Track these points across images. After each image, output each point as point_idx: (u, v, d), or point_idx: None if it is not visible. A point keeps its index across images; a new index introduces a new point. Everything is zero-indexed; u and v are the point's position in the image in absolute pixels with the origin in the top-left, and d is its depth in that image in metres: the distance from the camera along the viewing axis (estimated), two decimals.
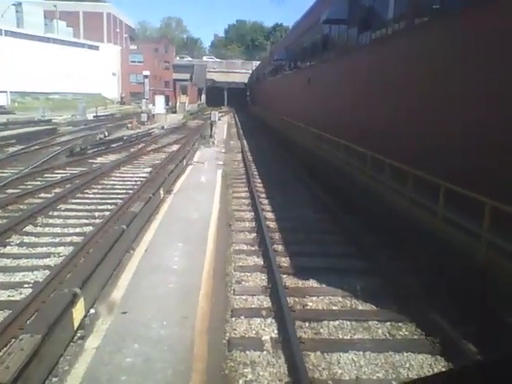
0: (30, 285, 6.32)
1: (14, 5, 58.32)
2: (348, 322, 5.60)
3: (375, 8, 12.87)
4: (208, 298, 5.72)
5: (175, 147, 21.11)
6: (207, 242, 7.64)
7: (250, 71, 71.55)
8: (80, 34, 71.12)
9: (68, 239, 8.32)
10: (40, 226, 9.02)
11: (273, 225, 9.75)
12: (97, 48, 67.60)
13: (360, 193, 10.81)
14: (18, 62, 50.00)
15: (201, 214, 9.33)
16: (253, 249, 8.27)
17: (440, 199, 6.83)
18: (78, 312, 5.17)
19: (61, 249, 7.78)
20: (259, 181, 14.66)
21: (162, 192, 10.91)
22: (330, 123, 16.70)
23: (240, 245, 8.44)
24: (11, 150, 18.91)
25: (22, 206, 10.31)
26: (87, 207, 10.53)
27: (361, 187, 10.81)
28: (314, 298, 6.28)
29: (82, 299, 5.22)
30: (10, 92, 48.73)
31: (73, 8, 74.23)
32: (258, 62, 65.05)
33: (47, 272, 6.64)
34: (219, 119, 32.14)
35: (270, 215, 10.53)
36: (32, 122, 30.18)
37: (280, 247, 8.38)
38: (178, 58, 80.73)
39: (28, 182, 12.82)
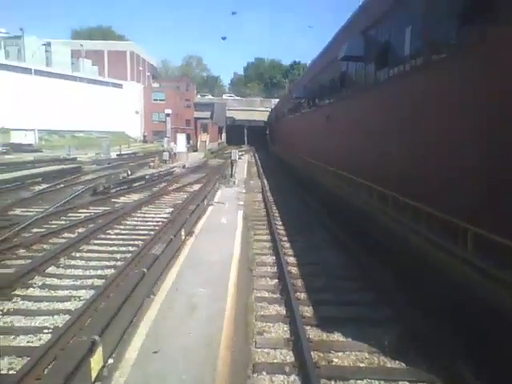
0: (50, 330, 6.29)
1: (43, 45, 61.47)
2: (376, 382, 5.35)
3: (391, 44, 12.94)
4: (229, 350, 5.56)
5: (196, 187, 21.32)
6: (228, 287, 7.53)
7: (269, 109, 72.66)
8: (105, 72, 73.86)
9: (89, 282, 8.32)
10: (62, 268, 9.06)
11: (295, 270, 9.59)
12: (120, 86, 69.91)
13: (382, 234, 10.61)
14: (45, 100, 51.97)
15: (222, 257, 9.25)
16: (275, 296, 8.10)
17: (468, 246, 6.55)
18: (96, 362, 5.06)
19: (82, 292, 7.77)
20: (280, 222, 14.58)
21: (183, 234, 10.90)
22: (349, 162, 16.61)
23: (261, 291, 8.29)
24: (37, 188, 19.39)
25: (45, 246, 10.42)
26: (109, 248, 10.57)
27: (383, 229, 10.63)
28: (340, 354, 6.04)
29: (100, 348, 5.13)
30: (38, 130, 50.46)
31: (98, 47, 77.52)
32: (277, 100, 66.14)
33: (67, 317, 6.61)
34: (239, 158, 32.53)
35: (291, 260, 10.39)
36: (58, 161, 31.10)
37: (303, 295, 8.19)
38: (198, 96, 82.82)
39: (52, 222, 13.00)
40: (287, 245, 11.74)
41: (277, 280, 8.89)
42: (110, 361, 5.29)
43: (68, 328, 6.08)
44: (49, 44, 63.47)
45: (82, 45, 71.49)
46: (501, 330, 5.33)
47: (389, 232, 9.80)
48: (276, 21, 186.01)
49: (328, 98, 22.01)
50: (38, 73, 54.66)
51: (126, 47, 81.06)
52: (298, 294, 8.16)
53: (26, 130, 49.26)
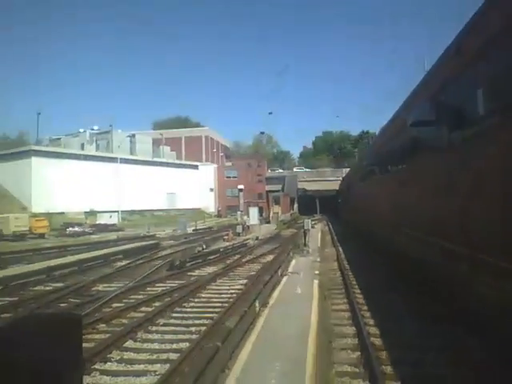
0: None
1: (128, 136, 68.30)
2: None
3: (462, 106, 12.60)
4: None
5: (270, 257, 21.15)
6: (306, 362, 7.02)
7: (340, 178, 72.56)
8: (182, 155, 79.46)
9: (164, 356, 8.23)
10: (139, 342, 9.09)
11: (378, 341, 8.82)
12: (196, 167, 74.51)
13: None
14: (129, 184, 56.39)
15: (298, 329, 8.77)
16: (357, 371, 7.41)
17: None
18: None
19: (157, 366, 7.67)
20: (358, 291, 13.80)
21: (257, 305, 10.63)
22: (424, 225, 15.76)
23: (343, 366, 7.64)
24: (119, 264, 20.33)
25: (124, 321, 10.61)
26: (184, 322, 10.53)
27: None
28: None
29: None
30: (121, 211, 54.29)
31: (176, 135, 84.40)
32: (347, 169, 66.05)
33: None
34: (312, 227, 32.15)
35: (373, 330, 9.61)
36: (138, 238, 32.76)
37: (389, 368, 7.42)
38: (269, 171, 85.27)
39: (131, 296, 13.36)
40: (367, 314, 10.96)
41: (359, 352, 8.20)
42: None
43: None
44: (133, 135, 70.35)
45: (161, 134, 78.15)
46: None
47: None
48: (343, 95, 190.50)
49: (400, 164, 21.55)
50: (123, 161, 60.17)
51: (201, 132, 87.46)
52: (384, 367, 7.40)
53: (111, 212, 53.23)
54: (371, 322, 10.33)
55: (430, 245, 14.61)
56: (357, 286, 14.57)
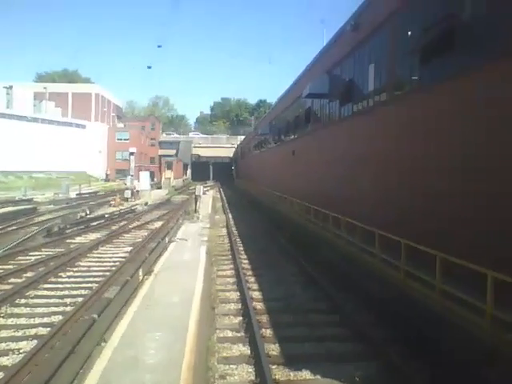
0: None
1: (4, 88, 60.46)
2: None
3: (355, 81, 13.21)
4: None
5: (158, 224, 20.54)
6: (188, 329, 6.89)
7: (235, 146, 73.22)
8: (68, 113, 72.94)
9: (32, 332, 7.51)
10: (3, 318, 8.16)
11: (260, 306, 9.06)
12: (84, 127, 68.93)
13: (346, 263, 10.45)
14: (3, 142, 50.47)
15: (182, 296, 8.61)
16: (238, 335, 7.52)
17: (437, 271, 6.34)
18: None
19: (22, 344, 6.95)
20: (245, 256, 14.08)
21: (140, 274, 10.22)
22: (315, 194, 16.59)
23: (224, 331, 7.69)
24: None
25: None
26: (59, 293, 9.74)
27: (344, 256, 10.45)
28: None
29: None
30: None
31: (62, 89, 76.84)
32: (243, 137, 66.76)
33: (0, 374, 5.80)
34: (204, 193, 32.00)
35: (257, 295, 9.85)
36: (12, 202, 29.54)
37: (268, 331, 7.65)
38: (164, 135, 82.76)
39: None
40: (252, 279, 11.29)
41: (241, 317, 8.33)
42: None
43: None
44: (10, 87, 62.31)
45: (45, 87, 70.45)
46: None
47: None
48: (242, 61, 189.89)
49: (294, 134, 22.23)
50: None
51: (91, 89, 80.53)
52: (264, 330, 7.64)
53: None
54: (255, 286, 10.59)
55: (308, 211, 15.61)
56: (243, 252, 14.85)
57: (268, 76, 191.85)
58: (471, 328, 5.59)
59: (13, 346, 6.89)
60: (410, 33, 9.51)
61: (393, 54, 10.41)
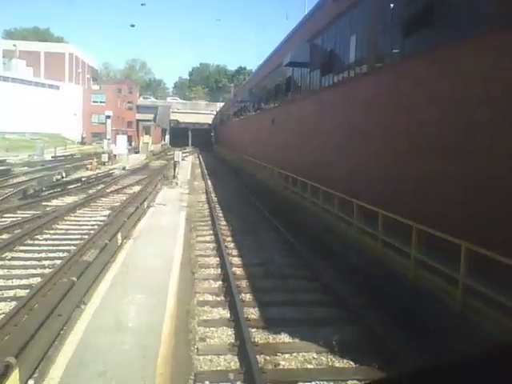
0: None
1: None
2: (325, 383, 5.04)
3: (336, 52, 13.10)
4: (168, 361, 5.05)
5: (136, 188, 20.32)
6: (168, 293, 6.97)
7: (215, 112, 72.18)
8: (41, 73, 69.99)
9: (11, 293, 7.46)
10: None
11: (240, 271, 9.18)
12: (57, 88, 66.41)
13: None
14: None
15: (161, 261, 8.66)
16: (218, 299, 7.64)
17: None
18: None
19: (1, 305, 6.91)
20: (224, 222, 14.13)
21: (119, 238, 10.18)
22: (293, 162, 16.67)
23: (204, 295, 7.79)
24: None
25: None
26: (36, 255, 9.64)
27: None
28: (287, 356, 5.69)
29: (17, 370, 4.43)
30: None
31: (34, 48, 73.31)
32: (222, 104, 65.75)
33: None
34: (183, 159, 31.73)
35: (236, 260, 9.96)
36: None
37: (248, 296, 7.79)
38: (141, 99, 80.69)
39: None
40: (231, 245, 11.35)
41: (220, 282, 8.45)
42: (31, 382, 4.64)
43: None
44: None
45: (15, 45, 67.07)
46: None
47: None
48: (223, 25, 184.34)
49: (274, 102, 22.04)
50: None
51: (65, 49, 77.09)
52: (243, 295, 7.78)
53: None
54: (235, 252, 10.70)
55: (282, 177, 15.83)
56: (223, 218, 14.90)
57: (248, 43, 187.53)
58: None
59: None
60: None
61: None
